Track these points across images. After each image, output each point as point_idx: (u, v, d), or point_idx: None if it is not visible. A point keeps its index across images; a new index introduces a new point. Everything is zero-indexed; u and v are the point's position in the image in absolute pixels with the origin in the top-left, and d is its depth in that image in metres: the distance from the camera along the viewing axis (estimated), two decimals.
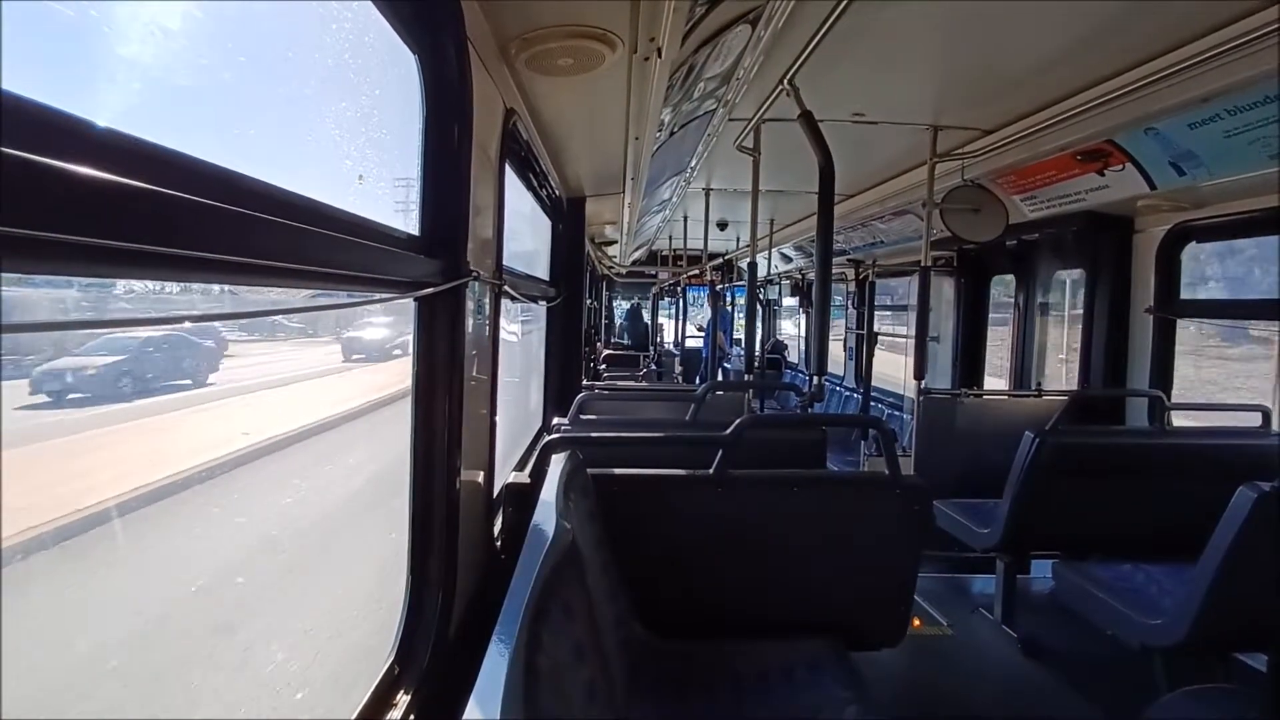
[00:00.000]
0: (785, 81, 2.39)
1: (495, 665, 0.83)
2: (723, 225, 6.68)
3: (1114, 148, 2.71)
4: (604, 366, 8.22)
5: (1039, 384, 4.19)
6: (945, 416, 3.52)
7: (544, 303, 3.18)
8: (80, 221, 0.50)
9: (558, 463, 1.73)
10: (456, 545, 1.36)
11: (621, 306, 13.77)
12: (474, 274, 1.39)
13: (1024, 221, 3.57)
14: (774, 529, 1.95)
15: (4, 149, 0.43)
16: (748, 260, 3.77)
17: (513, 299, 2.07)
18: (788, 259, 7.92)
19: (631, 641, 1.77)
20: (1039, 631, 2.87)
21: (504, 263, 1.79)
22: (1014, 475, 2.74)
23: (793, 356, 9.91)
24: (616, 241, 6.10)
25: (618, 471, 1.92)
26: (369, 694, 1.15)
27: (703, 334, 10.72)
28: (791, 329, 10.58)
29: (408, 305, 1.27)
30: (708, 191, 4.98)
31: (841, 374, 7.15)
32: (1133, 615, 2.25)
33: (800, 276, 8.31)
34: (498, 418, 1.80)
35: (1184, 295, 3.23)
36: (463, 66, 1.28)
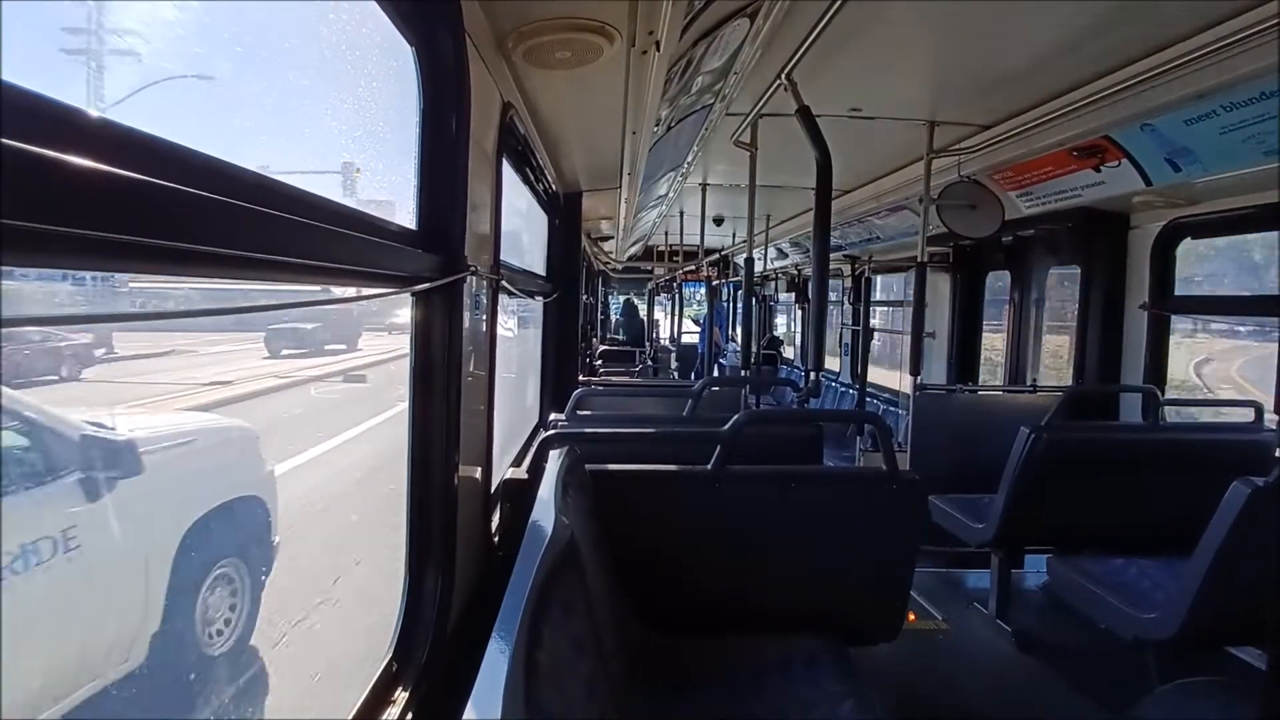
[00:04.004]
0: (783, 76, 2.38)
1: (495, 662, 0.83)
2: (719, 221, 6.67)
3: (1110, 144, 2.72)
4: (600, 362, 8.21)
5: (1034, 380, 4.21)
6: (940, 412, 3.53)
7: (541, 298, 3.17)
8: (78, 214, 0.49)
9: (555, 458, 1.72)
10: (455, 541, 1.35)
11: (617, 302, 13.75)
12: (471, 269, 1.38)
13: (1020, 218, 3.57)
14: (771, 525, 1.95)
15: (2, 140, 0.42)
16: (744, 256, 3.77)
17: (510, 294, 2.06)
18: (784, 255, 7.92)
19: (629, 637, 1.77)
20: (1033, 626, 2.89)
21: (500, 258, 1.78)
22: (1009, 470, 2.75)
23: (788, 352, 9.92)
24: (613, 237, 6.08)
25: (615, 467, 1.92)
26: (366, 691, 1.15)
27: (699, 329, 10.72)
28: (787, 325, 10.60)
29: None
30: (704, 187, 4.97)
31: (837, 370, 7.16)
32: (1126, 609, 2.26)
33: (797, 272, 8.31)
34: (495, 413, 1.80)
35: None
36: (460, 59, 1.27)
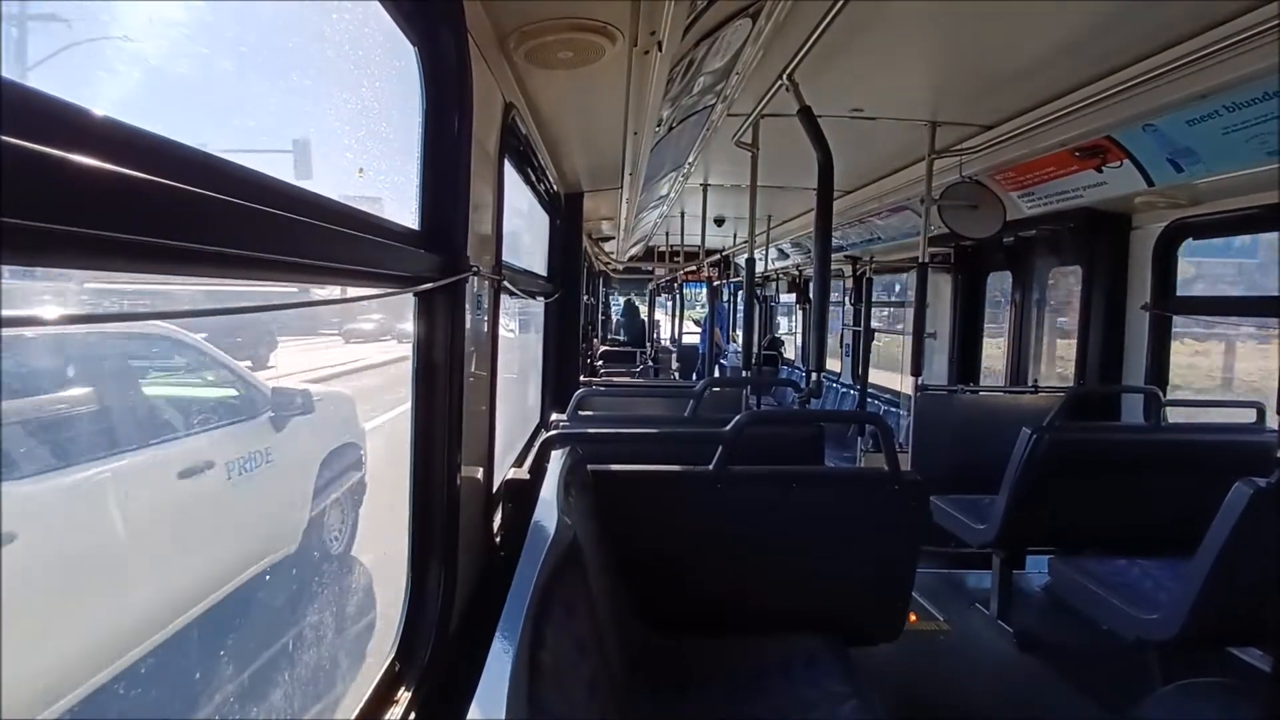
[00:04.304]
0: (785, 77, 2.38)
1: (498, 662, 0.83)
2: (720, 221, 6.67)
3: (1112, 144, 2.71)
4: (601, 363, 8.21)
5: (1035, 380, 4.20)
6: (942, 413, 3.53)
7: (542, 298, 3.17)
8: (78, 213, 0.49)
9: (557, 459, 1.72)
10: (457, 542, 1.35)
11: (618, 303, 13.76)
12: (473, 269, 1.38)
13: (1021, 218, 3.57)
14: (773, 525, 1.95)
15: (3, 138, 0.42)
16: (745, 256, 3.77)
17: (512, 294, 2.06)
18: (785, 255, 7.92)
19: (631, 637, 1.77)
20: (1035, 626, 2.88)
21: (503, 258, 1.78)
22: (1011, 471, 2.75)
23: (789, 353, 9.92)
24: (614, 238, 6.08)
25: (617, 468, 1.92)
26: (369, 692, 1.15)
27: (700, 330, 10.72)
28: (786, 326, 10.59)
29: None
30: (705, 187, 4.97)
31: (838, 370, 7.16)
32: (1128, 610, 2.26)
33: (798, 273, 8.30)
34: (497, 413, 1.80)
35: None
36: (462, 59, 1.27)
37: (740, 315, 6.19)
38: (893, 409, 5.68)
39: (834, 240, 4.20)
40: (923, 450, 3.44)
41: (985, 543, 2.93)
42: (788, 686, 1.70)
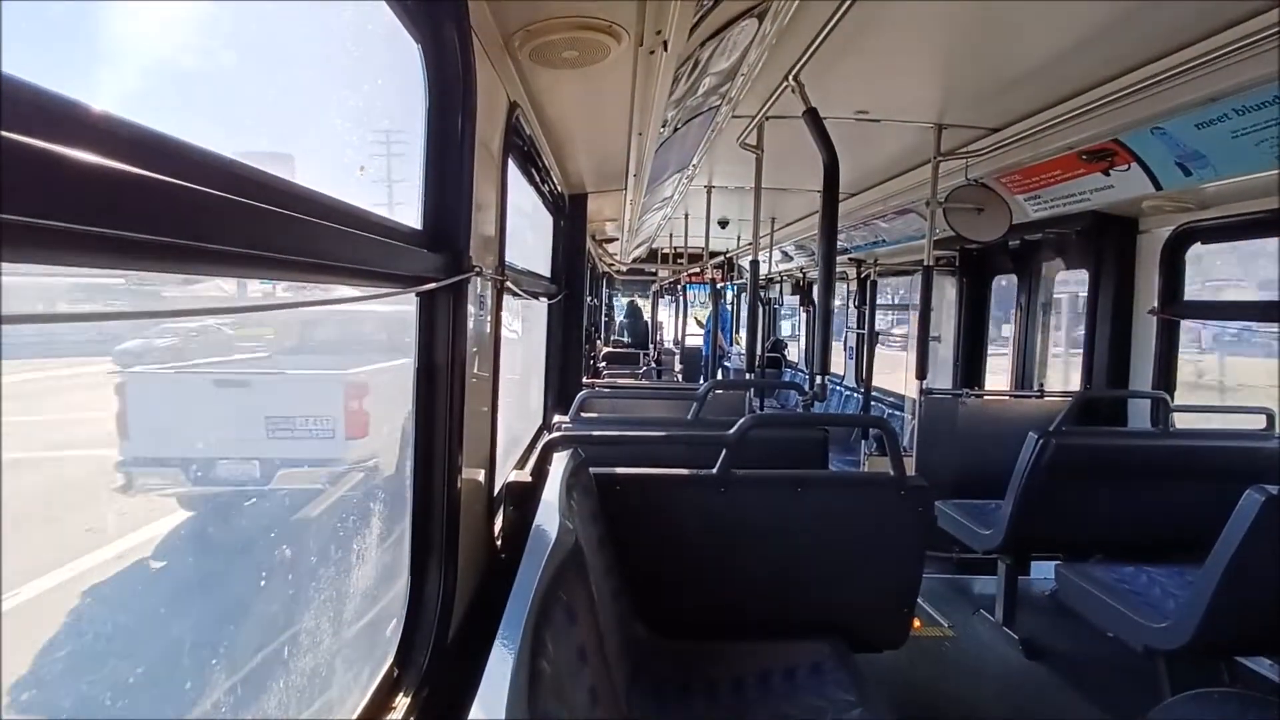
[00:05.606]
0: (790, 78, 2.37)
1: (499, 668, 0.81)
2: (724, 223, 6.66)
3: (1120, 147, 2.69)
4: (604, 364, 8.21)
5: (1041, 385, 4.18)
6: (947, 417, 3.50)
7: (545, 299, 3.16)
8: (77, 210, 0.48)
9: (559, 461, 1.71)
10: (457, 545, 1.34)
11: (621, 304, 13.76)
12: (476, 269, 1.37)
13: (1027, 221, 3.55)
14: (777, 529, 1.93)
15: (3, 133, 0.41)
16: (749, 258, 3.75)
17: (515, 295, 2.05)
18: (789, 257, 7.90)
19: (634, 642, 1.76)
20: (1040, 633, 2.86)
21: (506, 259, 1.77)
22: (1017, 476, 2.72)
23: (792, 355, 9.90)
24: (618, 239, 6.07)
25: (620, 471, 1.91)
26: (367, 697, 1.13)
27: (703, 331, 10.71)
28: (787, 328, 10.57)
29: None
30: (709, 189, 4.96)
31: (841, 374, 7.14)
32: (1136, 618, 2.24)
33: (801, 275, 8.28)
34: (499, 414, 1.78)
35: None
36: (466, 57, 1.26)
37: (744, 317, 6.17)
38: (897, 412, 5.66)
39: (838, 242, 4.19)
40: (927, 454, 3.42)
41: (991, 548, 2.91)
42: (793, 693, 1.69)
